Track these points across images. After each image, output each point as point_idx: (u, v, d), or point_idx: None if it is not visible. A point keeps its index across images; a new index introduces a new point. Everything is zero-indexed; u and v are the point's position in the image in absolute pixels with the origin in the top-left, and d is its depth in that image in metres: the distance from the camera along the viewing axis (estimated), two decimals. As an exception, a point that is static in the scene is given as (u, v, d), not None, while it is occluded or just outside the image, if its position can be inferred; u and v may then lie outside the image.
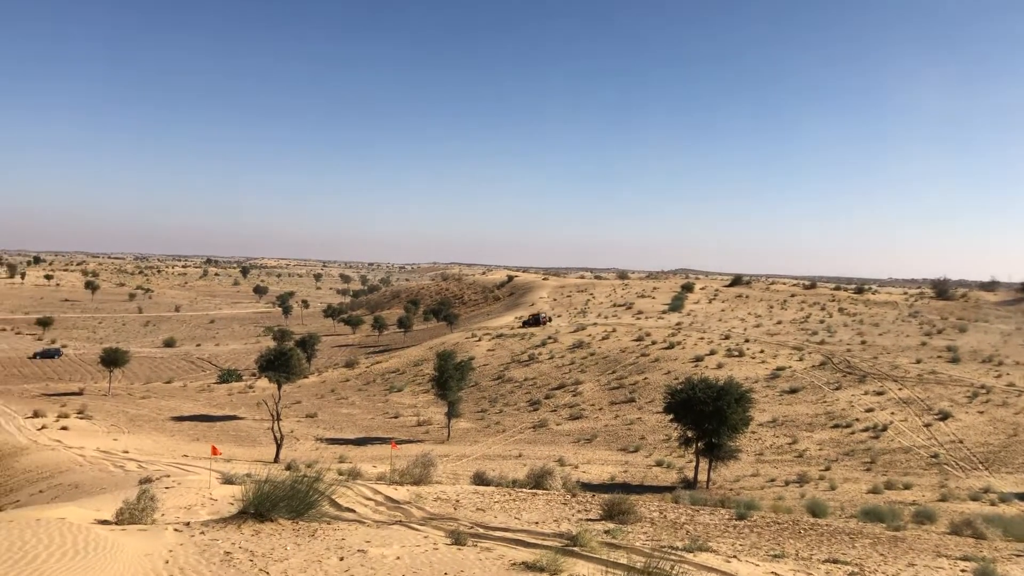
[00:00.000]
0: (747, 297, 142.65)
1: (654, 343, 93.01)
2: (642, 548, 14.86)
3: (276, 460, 52.45)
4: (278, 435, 56.09)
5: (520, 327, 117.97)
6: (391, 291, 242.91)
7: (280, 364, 70.12)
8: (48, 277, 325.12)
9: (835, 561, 15.77)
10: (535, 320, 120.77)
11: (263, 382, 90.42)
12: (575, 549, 13.98)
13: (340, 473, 30.51)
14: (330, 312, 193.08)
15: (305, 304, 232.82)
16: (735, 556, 15.09)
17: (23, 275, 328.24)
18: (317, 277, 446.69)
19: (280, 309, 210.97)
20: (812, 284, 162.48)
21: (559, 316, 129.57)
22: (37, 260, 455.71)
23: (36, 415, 71.12)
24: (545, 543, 14.63)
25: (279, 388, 71.26)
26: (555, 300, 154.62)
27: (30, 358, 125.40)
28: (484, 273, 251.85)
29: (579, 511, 20.58)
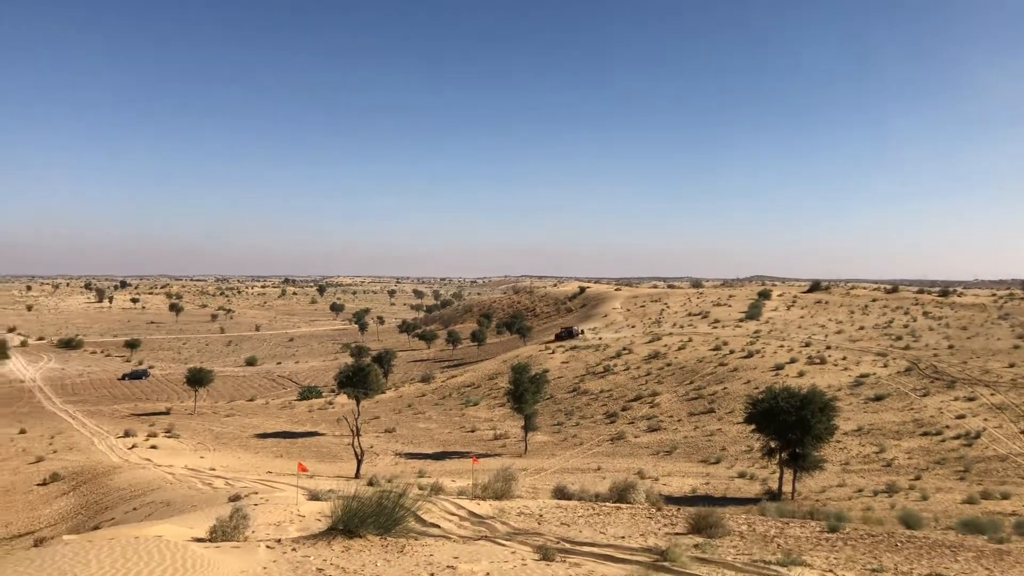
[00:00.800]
0: (827, 303, 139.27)
1: (732, 352, 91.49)
2: (734, 563, 14.52)
3: (357, 475, 53.09)
4: (358, 450, 56.82)
5: (554, 341, 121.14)
6: (463, 305, 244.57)
7: (358, 380, 71.08)
8: (134, 300, 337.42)
9: (937, 576, 15.16)
10: (568, 333, 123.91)
11: (342, 398, 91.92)
12: (665, 564, 13.75)
13: (421, 488, 30.67)
14: (405, 327, 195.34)
15: (380, 320, 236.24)
16: (831, 571, 14.64)
17: (111, 299, 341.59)
18: (391, 293, 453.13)
19: (356, 326, 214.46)
20: (894, 288, 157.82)
21: (633, 327, 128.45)
22: (124, 284, 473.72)
23: (127, 434, 73.66)
24: (634, 558, 14.43)
25: (358, 404, 72.24)
26: (628, 310, 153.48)
27: (119, 379, 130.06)
28: (555, 285, 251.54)
29: (665, 525, 20.26)
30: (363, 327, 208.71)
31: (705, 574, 13.22)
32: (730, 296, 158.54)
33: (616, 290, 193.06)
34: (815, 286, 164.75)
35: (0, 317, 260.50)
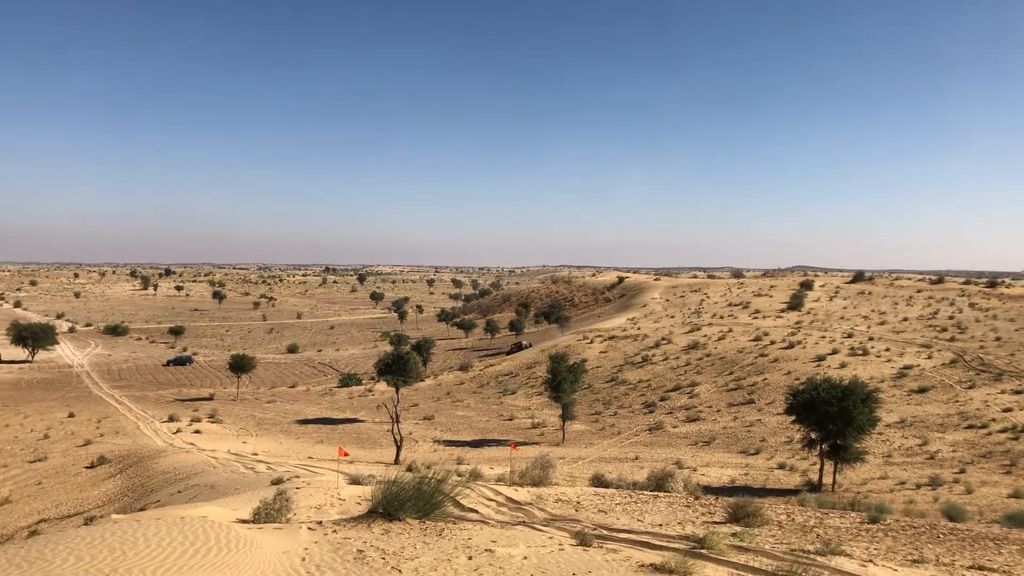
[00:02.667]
0: (870, 294, 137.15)
1: (773, 343, 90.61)
2: (772, 551, 14.48)
3: (396, 461, 53.60)
4: (398, 437, 57.34)
5: (508, 353, 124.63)
6: (502, 295, 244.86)
7: (397, 368, 71.63)
8: (178, 288, 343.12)
9: (980, 568, 14.97)
10: (518, 347, 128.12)
11: (382, 385, 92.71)
12: (703, 552, 13.74)
13: (459, 474, 30.91)
14: (443, 316, 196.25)
15: (419, 309, 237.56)
16: (871, 560, 14.52)
17: (155, 287, 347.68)
18: (430, 282, 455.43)
19: (396, 314, 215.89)
20: (939, 279, 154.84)
21: (672, 317, 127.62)
22: (168, 272, 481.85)
23: (171, 419, 75.06)
24: (672, 545, 14.43)
25: (397, 391, 72.83)
26: (667, 300, 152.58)
27: (164, 365, 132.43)
28: (594, 275, 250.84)
29: (703, 514, 20.23)
30: (402, 316, 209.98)
31: (743, 562, 13.20)
32: (771, 286, 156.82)
33: (655, 280, 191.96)
34: (858, 276, 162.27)
35: (49, 304, 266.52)
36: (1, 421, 79.03)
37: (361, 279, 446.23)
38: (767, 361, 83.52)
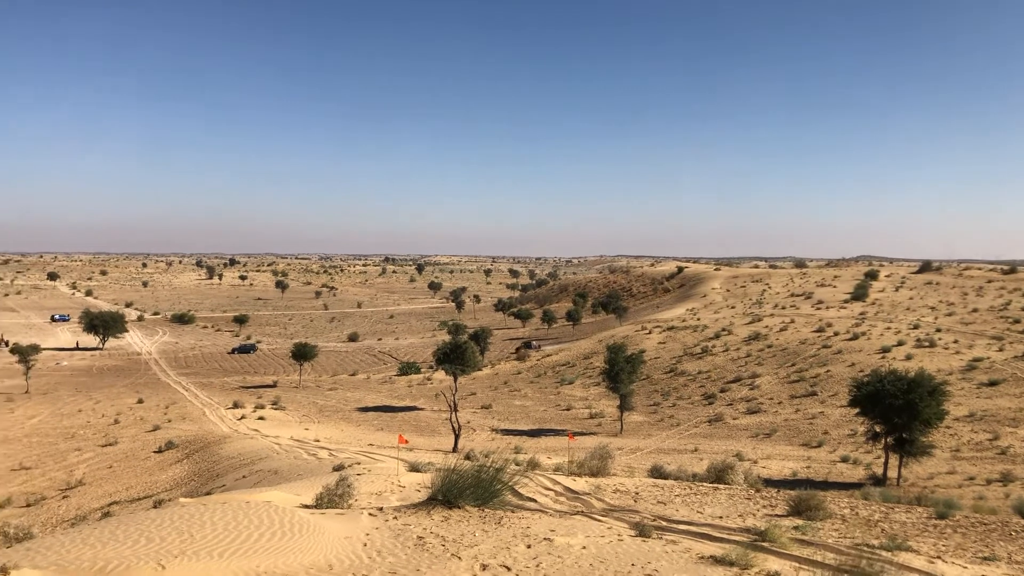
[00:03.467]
0: (938, 284, 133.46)
1: (836, 334, 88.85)
2: (836, 545, 14.23)
3: (455, 450, 54.01)
4: (456, 425, 57.78)
5: (514, 353, 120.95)
6: (559, 285, 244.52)
7: (455, 357, 72.14)
8: (243, 278, 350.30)
9: (1055, 567, 14.49)
10: (527, 346, 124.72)
11: (440, 374, 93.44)
12: (764, 544, 13.57)
13: (518, 463, 31.00)
14: (500, 306, 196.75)
15: (477, 299, 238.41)
16: (939, 557, 14.17)
17: (220, 276, 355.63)
18: (487, 272, 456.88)
19: (453, 304, 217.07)
20: (1011, 269, 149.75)
21: (732, 308, 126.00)
22: (233, 262, 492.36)
23: (236, 406, 76.74)
24: (732, 538, 14.29)
25: (455, 380, 73.39)
26: (728, 291, 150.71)
27: (229, 353, 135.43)
28: (652, 265, 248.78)
29: (764, 506, 19.96)
30: (460, 305, 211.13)
31: (806, 556, 13.00)
32: (835, 277, 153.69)
33: (715, 270, 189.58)
34: (925, 266, 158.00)
35: (118, 293, 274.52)
36: (74, 406, 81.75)
37: (419, 269, 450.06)
38: (830, 352, 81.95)
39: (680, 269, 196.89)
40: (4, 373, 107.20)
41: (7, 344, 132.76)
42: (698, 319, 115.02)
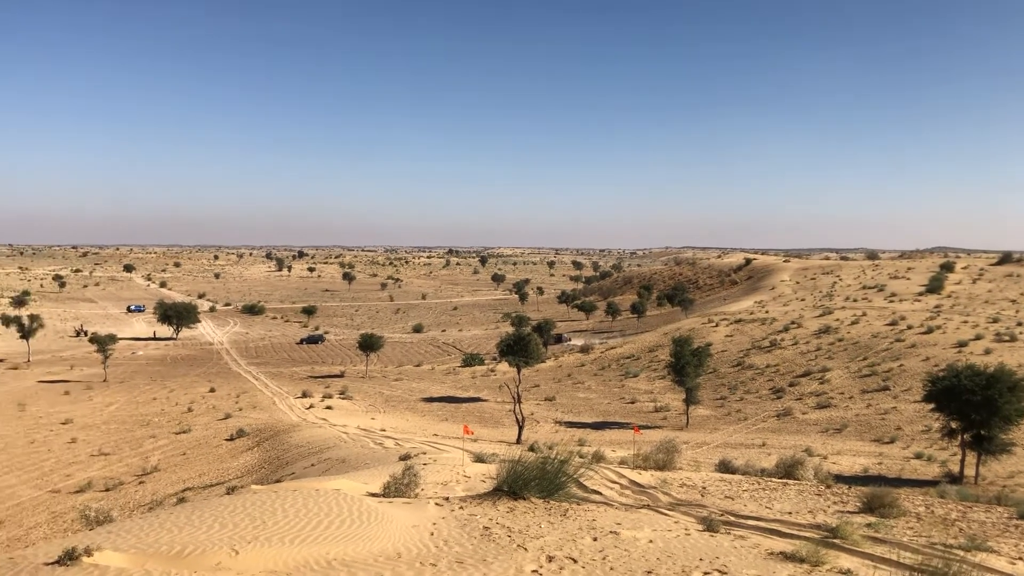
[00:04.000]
0: (1019, 276, 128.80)
1: (910, 327, 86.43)
2: (911, 544, 13.84)
3: (518, 441, 54.13)
4: (520, 417, 57.90)
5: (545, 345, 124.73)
6: (623, 277, 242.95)
7: (519, 349, 72.33)
8: (311, 269, 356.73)
9: None
10: (558, 339, 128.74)
11: (503, 366, 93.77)
12: (836, 541, 13.27)
13: (582, 456, 30.94)
14: (564, 298, 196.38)
15: (540, 291, 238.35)
16: (1021, 558, 13.69)
17: (289, 268, 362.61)
18: (550, 264, 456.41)
19: (516, 296, 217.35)
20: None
21: (802, 300, 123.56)
22: (301, 254, 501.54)
23: (304, 395, 78.22)
24: (802, 534, 14.01)
25: (519, 372, 73.58)
26: (797, 283, 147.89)
27: (297, 343, 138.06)
28: (719, 257, 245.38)
29: (835, 503, 19.54)
30: (523, 297, 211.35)
31: (879, 554, 12.67)
32: (908, 268, 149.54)
33: (784, 262, 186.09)
34: (1005, 258, 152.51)
35: (191, 284, 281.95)
36: (150, 394, 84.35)
37: (483, 261, 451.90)
38: (904, 346, 79.77)
39: (748, 261, 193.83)
40: (84, 362, 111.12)
41: (86, 334, 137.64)
42: (766, 312, 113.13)
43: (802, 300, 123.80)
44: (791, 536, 13.84)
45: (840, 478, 32.23)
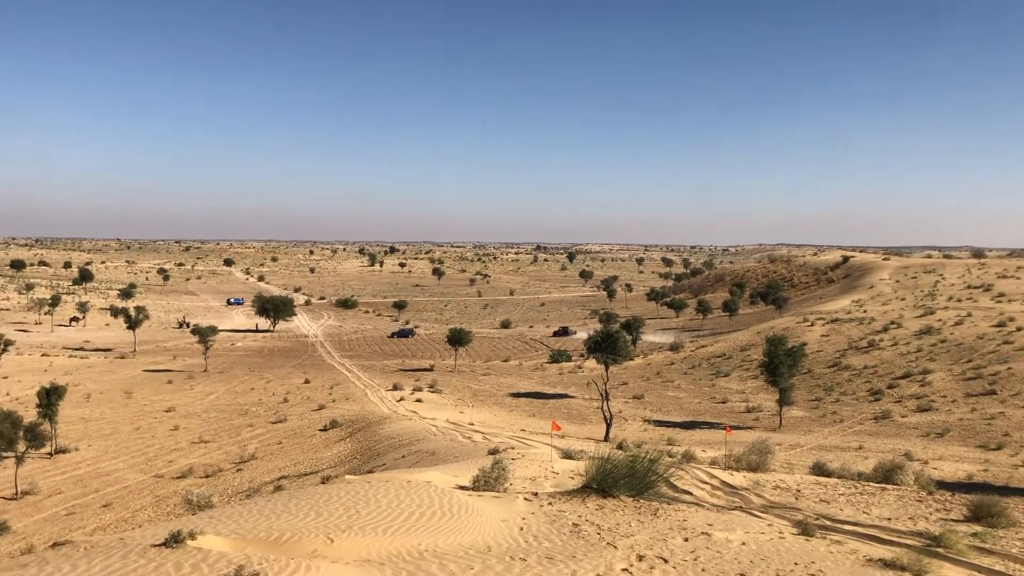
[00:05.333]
0: None
1: (1020, 329, 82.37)
2: (1021, 556, 13.21)
3: (606, 439, 53.89)
4: (608, 414, 57.61)
5: (552, 336, 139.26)
6: (715, 274, 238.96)
7: (607, 346, 71.87)
8: (402, 265, 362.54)
9: None
10: (564, 331, 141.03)
11: (591, 363, 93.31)
12: (939, 550, 12.78)
13: (671, 455, 30.60)
14: (653, 295, 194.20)
15: (628, 288, 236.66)
16: None
17: (381, 263, 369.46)
18: (639, 261, 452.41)
19: (604, 292, 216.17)
20: None
21: (902, 299, 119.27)
22: (392, 250, 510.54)
23: (395, 388, 79.56)
24: (902, 541, 13.55)
25: (607, 369, 73.12)
26: (897, 282, 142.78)
27: (388, 337, 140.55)
28: (815, 254, 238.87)
29: (937, 510, 18.81)
30: (611, 294, 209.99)
31: (986, 565, 12.15)
32: (1018, 267, 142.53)
33: (884, 260, 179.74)
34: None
35: (287, 278, 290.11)
36: (247, 385, 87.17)
37: (571, 257, 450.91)
38: (1012, 349, 76.09)
39: (845, 259, 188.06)
40: (186, 352, 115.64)
41: (188, 325, 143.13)
42: (864, 311, 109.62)
43: (902, 300, 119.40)
44: (891, 543, 13.41)
45: (942, 484, 30.99)
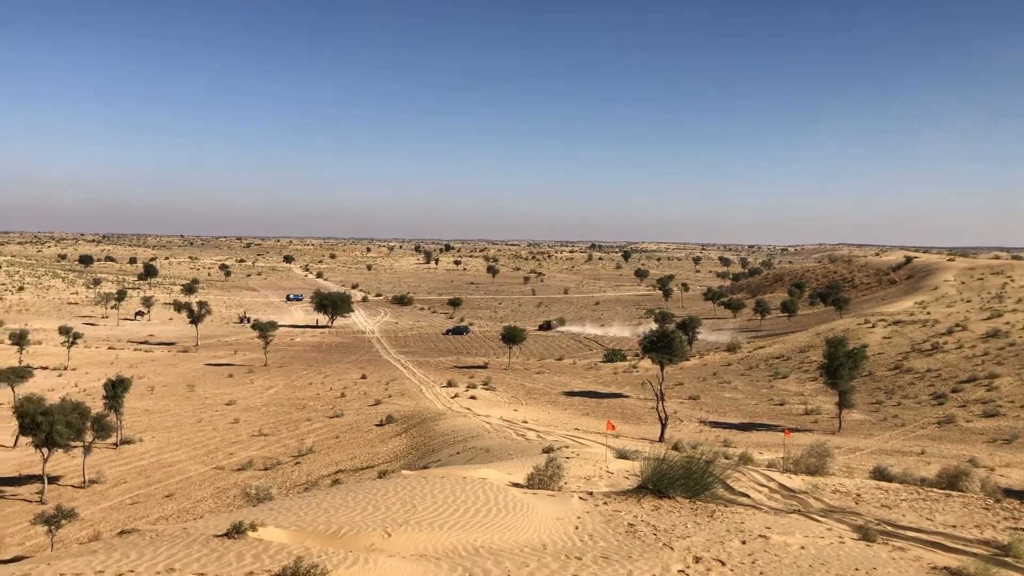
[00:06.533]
0: None
1: (1092, 333, 79.64)
2: (1094, 568, 12.78)
3: (661, 439, 53.50)
4: (663, 415, 57.20)
5: (538, 331, 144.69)
6: (773, 274, 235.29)
7: (663, 346, 71.26)
8: (456, 263, 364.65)
9: None
10: (547, 326, 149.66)
11: (646, 363, 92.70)
12: (1008, 560, 12.44)
13: (727, 457, 30.27)
14: (710, 295, 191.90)
15: (685, 287, 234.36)
16: None
17: (436, 261, 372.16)
18: (696, 260, 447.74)
19: (660, 292, 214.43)
20: None
21: (968, 301, 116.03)
22: (448, 248, 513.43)
23: (449, 384, 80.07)
24: (968, 549, 13.22)
25: (662, 369, 72.56)
26: (962, 283, 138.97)
27: (443, 334, 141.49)
28: (877, 254, 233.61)
29: (1005, 518, 18.28)
30: (667, 293, 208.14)
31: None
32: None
33: (948, 260, 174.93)
34: None
35: (345, 275, 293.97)
36: (306, 379, 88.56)
37: (626, 256, 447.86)
38: (1085, 354, 73.60)
39: (908, 259, 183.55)
40: (246, 347, 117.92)
41: (249, 320, 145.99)
42: (928, 313, 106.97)
43: (968, 302, 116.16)
44: (956, 551, 13.09)
45: (1010, 492, 30.10)
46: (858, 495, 19.98)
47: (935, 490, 22.44)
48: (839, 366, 63.15)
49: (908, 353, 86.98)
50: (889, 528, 15.17)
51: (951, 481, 23.98)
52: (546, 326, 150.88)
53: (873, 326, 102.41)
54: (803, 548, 12.14)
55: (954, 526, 16.52)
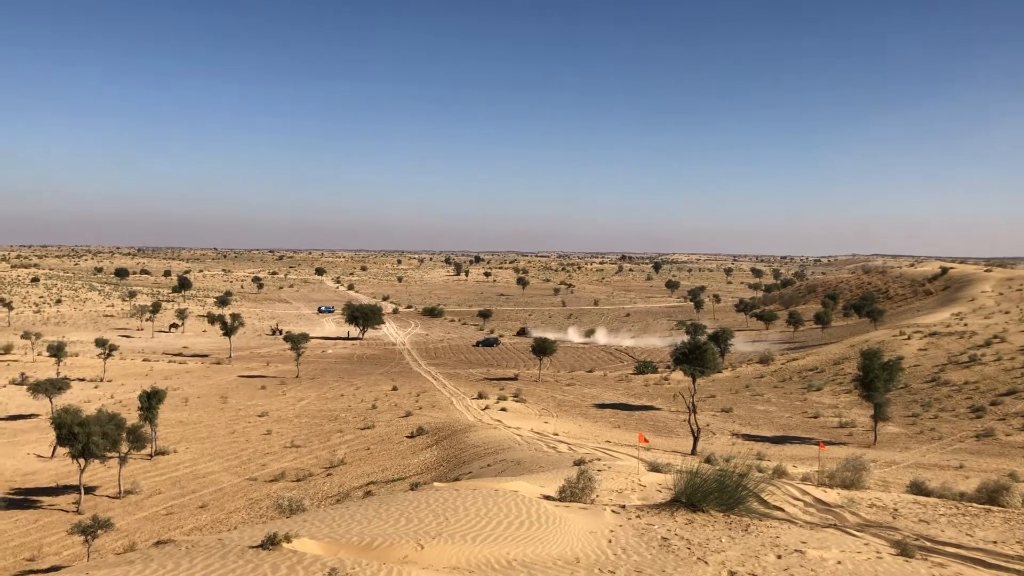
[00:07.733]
0: None
1: None
2: None
3: (693, 452, 53.09)
4: (695, 427, 56.76)
5: (516, 336, 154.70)
6: (806, 285, 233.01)
7: (695, 358, 70.73)
8: (487, 274, 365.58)
9: None
10: (523, 332, 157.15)
11: (677, 375, 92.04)
12: (1051, 577, 12.19)
13: (761, 470, 29.96)
14: (742, 307, 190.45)
15: (716, 299, 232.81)
16: None
17: (467, 273, 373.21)
18: (727, 271, 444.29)
19: (692, 303, 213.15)
20: None
21: (1007, 313, 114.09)
22: (478, 259, 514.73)
23: (480, 396, 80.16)
24: (1011, 566, 12.97)
25: (694, 381, 71.98)
26: (1000, 294, 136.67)
27: (474, 346, 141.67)
28: (912, 265, 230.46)
29: (1048, 535, 17.92)
30: (698, 305, 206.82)
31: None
32: None
33: (986, 271, 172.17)
34: None
35: (376, 287, 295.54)
36: (337, 391, 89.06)
37: (656, 267, 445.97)
38: None
39: (944, 270, 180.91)
40: (279, 359, 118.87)
41: (281, 332, 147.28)
42: (965, 324, 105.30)
43: (1006, 313, 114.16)
44: (997, 567, 12.85)
45: (1052, 508, 29.47)
46: (895, 510, 19.70)
47: (975, 505, 22.05)
48: (874, 378, 62.35)
49: (945, 365, 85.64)
50: (928, 544, 14.92)
51: (991, 496, 23.53)
52: (522, 332, 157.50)
53: (909, 338, 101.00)
54: (840, 563, 11.98)
55: (995, 542, 16.21)
